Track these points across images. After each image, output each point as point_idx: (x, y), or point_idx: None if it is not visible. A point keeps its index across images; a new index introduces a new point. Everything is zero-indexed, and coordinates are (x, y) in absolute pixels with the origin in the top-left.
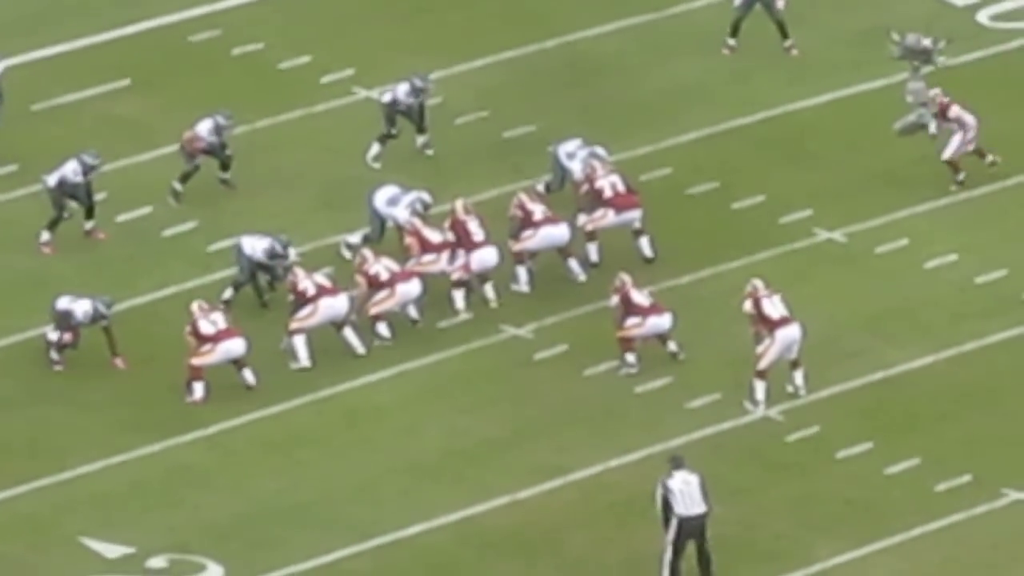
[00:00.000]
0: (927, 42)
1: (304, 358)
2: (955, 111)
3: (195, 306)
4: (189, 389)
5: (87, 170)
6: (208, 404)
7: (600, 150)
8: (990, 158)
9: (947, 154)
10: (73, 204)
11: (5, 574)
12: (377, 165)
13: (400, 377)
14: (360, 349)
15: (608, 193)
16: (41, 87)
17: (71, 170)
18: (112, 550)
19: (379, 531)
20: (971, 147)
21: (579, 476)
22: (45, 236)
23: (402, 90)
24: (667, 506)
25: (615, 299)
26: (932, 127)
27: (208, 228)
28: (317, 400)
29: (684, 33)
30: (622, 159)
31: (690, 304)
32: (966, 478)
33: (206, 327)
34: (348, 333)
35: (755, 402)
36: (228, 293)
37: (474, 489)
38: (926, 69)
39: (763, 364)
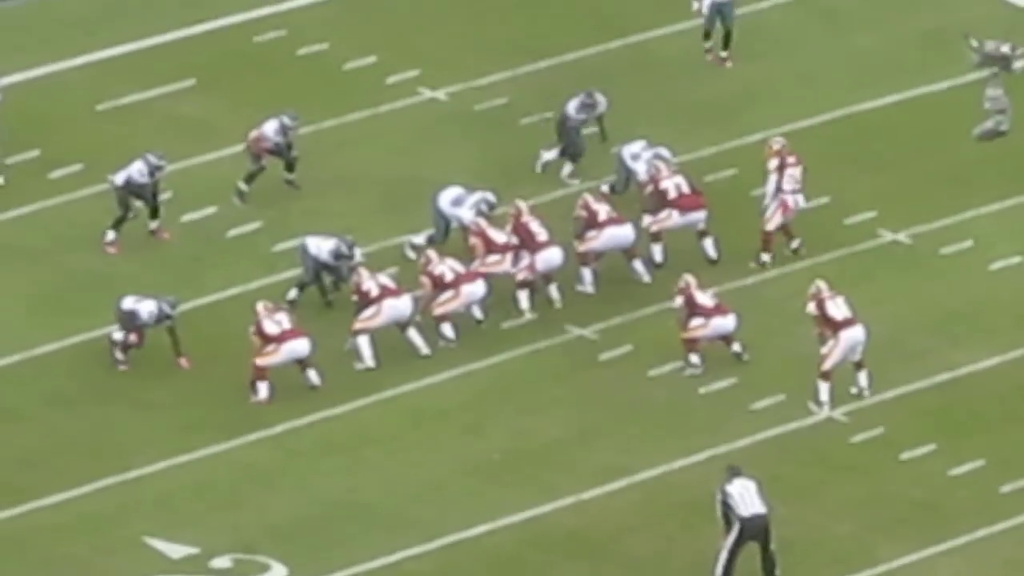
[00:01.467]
0: (1006, 48)
1: (368, 358)
2: None
3: (260, 306)
4: (253, 389)
5: (153, 170)
6: (273, 404)
7: (664, 151)
8: None
9: None
10: (138, 204)
11: (70, 574)
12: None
13: (464, 377)
14: (424, 350)
15: (672, 194)
16: (106, 87)
17: (137, 170)
18: (176, 550)
19: (443, 531)
20: None
21: (643, 477)
22: (110, 235)
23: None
24: (728, 510)
25: (679, 300)
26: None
27: (273, 228)
28: (382, 400)
29: (750, 34)
30: (687, 160)
31: (755, 305)
32: None
33: (270, 327)
34: (412, 334)
35: (819, 403)
36: (293, 293)
37: (538, 490)
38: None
39: (827, 365)
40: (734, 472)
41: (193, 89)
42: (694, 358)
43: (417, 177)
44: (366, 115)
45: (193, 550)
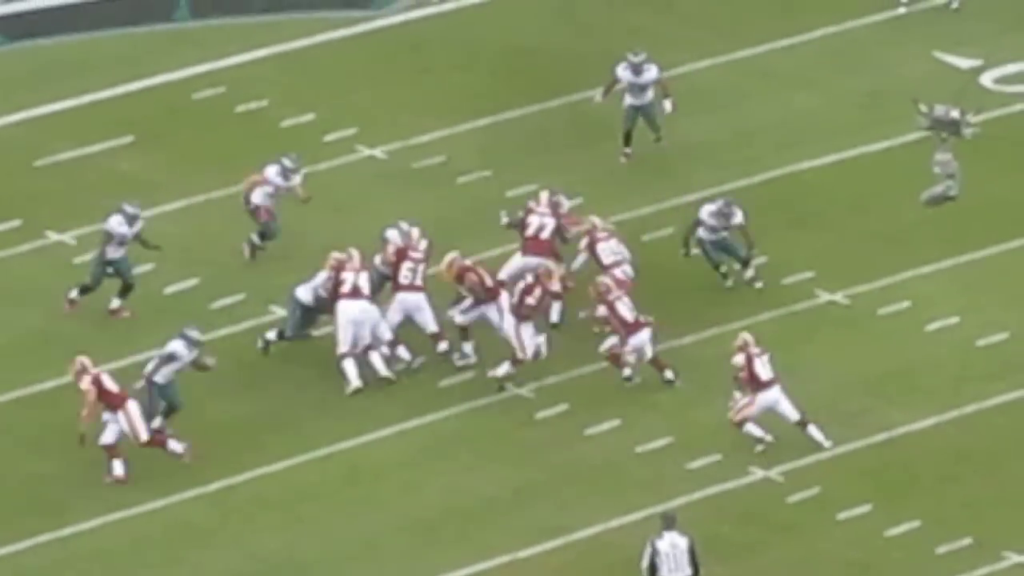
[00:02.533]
0: (955, 113)
1: (354, 378)
2: None
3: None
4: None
5: (131, 220)
6: (210, 461)
7: (563, 197)
8: None
9: None
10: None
11: None
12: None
13: (402, 435)
14: (384, 372)
15: (528, 232)
16: (44, 142)
17: (116, 222)
18: None
19: None
20: None
21: (579, 536)
22: (73, 293)
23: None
24: (653, 568)
25: (601, 308)
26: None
27: (210, 286)
28: (318, 457)
29: (689, 92)
30: (624, 219)
31: (692, 365)
32: (967, 541)
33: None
34: (375, 357)
35: (761, 440)
36: (270, 336)
37: (475, 548)
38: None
39: (738, 417)
40: (668, 523)
41: (132, 145)
42: (626, 371)
43: (356, 233)
44: (304, 172)
45: None
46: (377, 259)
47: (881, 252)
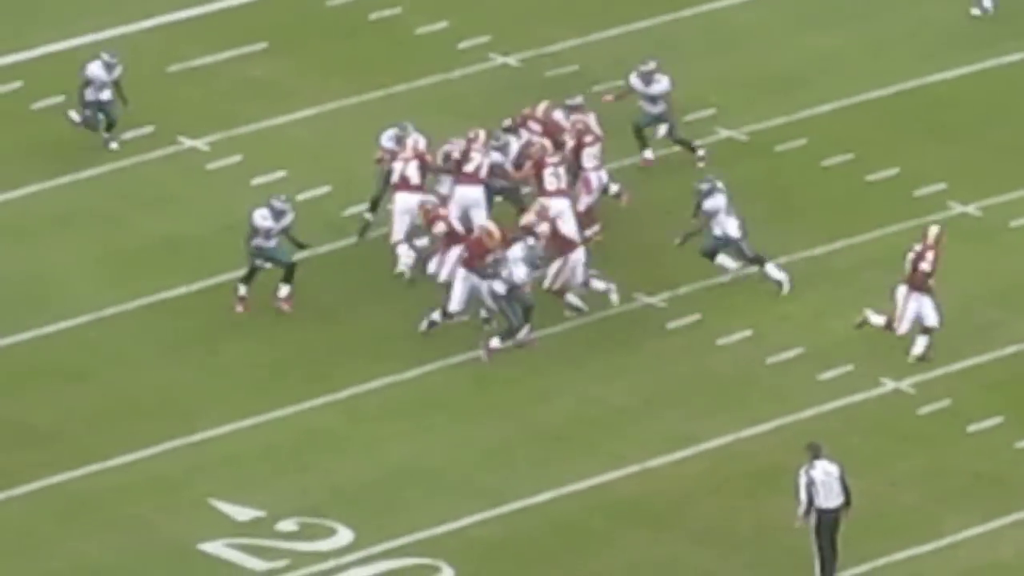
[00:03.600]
0: None
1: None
2: None
3: None
4: None
5: (277, 215)
6: (340, 368)
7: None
8: None
9: None
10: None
11: (136, 535)
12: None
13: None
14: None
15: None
16: (178, 49)
17: (260, 216)
18: (242, 513)
19: (509, 498)
20: None
21: (709, 446)
22: (242, 290)
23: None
24: (810, 498)
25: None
26: None
27: (340, 194)
28: (448, 366)
29: (822, 5)
30: (757, 129)
31: (823, 275)
32: None
33: None
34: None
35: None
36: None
37: (604, 457)
38: None
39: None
40: (815, 452)
41: (265, 52)
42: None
43: None
44: (437, 80)
45: (259, 513)
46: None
47: (1015, 164)
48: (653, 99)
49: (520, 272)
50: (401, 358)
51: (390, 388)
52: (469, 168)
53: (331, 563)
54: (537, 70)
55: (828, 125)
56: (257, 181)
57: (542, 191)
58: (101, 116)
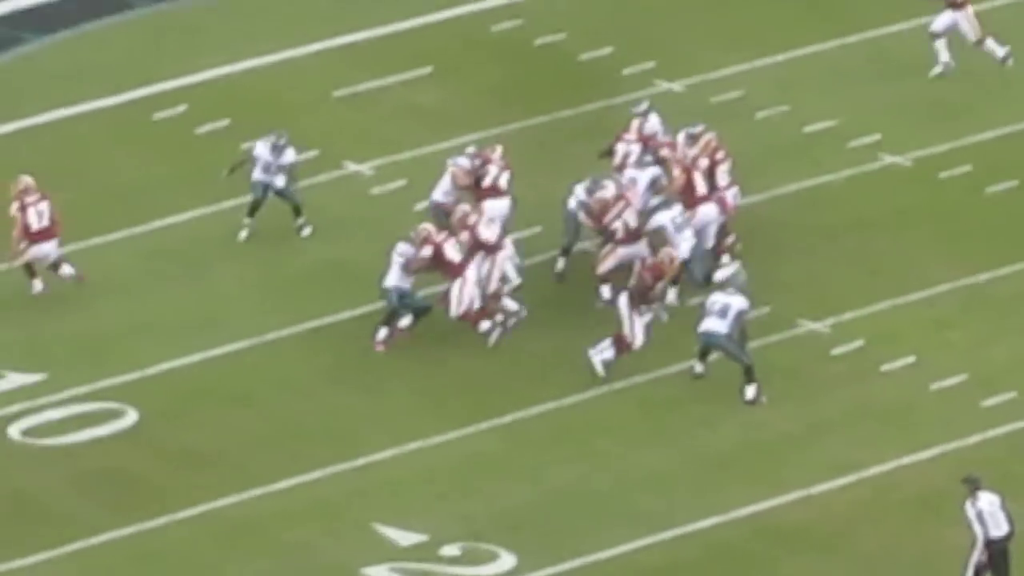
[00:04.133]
0: None
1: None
2: None
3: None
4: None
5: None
6: (503, 393)
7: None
8: None
9: None
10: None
11: (298, 559)
12: None
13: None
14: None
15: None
16: (343, 74)
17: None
18: (405, 537)
19: (672, 523)
20: None
21: (872, 472)
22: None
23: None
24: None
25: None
26: None
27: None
28: (612, 391)
29: (988, 30)
30: (921, 156)
31: (987, 302)
32: None
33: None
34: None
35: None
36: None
37: (767, 483)
38: None
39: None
40: (975, 484)
41: (430, 77)
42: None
43: None
44: (601, 106)
45: (422, 537)
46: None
47: None
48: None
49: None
50: (564, 383)
51: (553, 413)
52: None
53: None
54: (702, 96)
55: (993, 152)
56: (420, 206)
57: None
58: (272, 197)
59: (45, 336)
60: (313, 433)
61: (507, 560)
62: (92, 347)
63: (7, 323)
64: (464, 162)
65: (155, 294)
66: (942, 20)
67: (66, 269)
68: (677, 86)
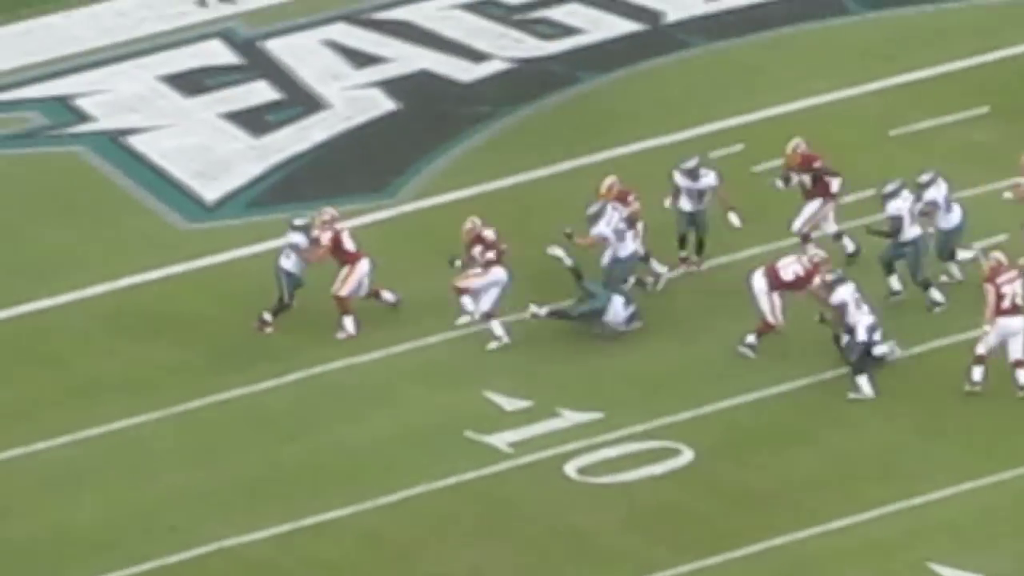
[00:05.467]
0: None
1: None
2: None
3: None
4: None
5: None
6: None
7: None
8: None
9: None
10: None
11: None
12: None
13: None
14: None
15: None
16: (899, 112)
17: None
18: None
19: None
20: None
21: None
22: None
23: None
24: None
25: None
26: None
27: None
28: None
29: None
30: None
31: None
32: None
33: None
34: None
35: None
36: None
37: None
38: None
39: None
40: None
41: (987, 116)
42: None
43: None
44: None
45: None
46: None
47: None
48: (700, 193)
49: None
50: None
51: None
52: None
53: None
54: None
55: None
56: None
57: None
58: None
59: (602, 375)
60: (869, 472)
61: None
62: (647, 386)
63: (566, 362)
64: None
65: (708, 333)
66: None
67: (387, 296)
68: None
